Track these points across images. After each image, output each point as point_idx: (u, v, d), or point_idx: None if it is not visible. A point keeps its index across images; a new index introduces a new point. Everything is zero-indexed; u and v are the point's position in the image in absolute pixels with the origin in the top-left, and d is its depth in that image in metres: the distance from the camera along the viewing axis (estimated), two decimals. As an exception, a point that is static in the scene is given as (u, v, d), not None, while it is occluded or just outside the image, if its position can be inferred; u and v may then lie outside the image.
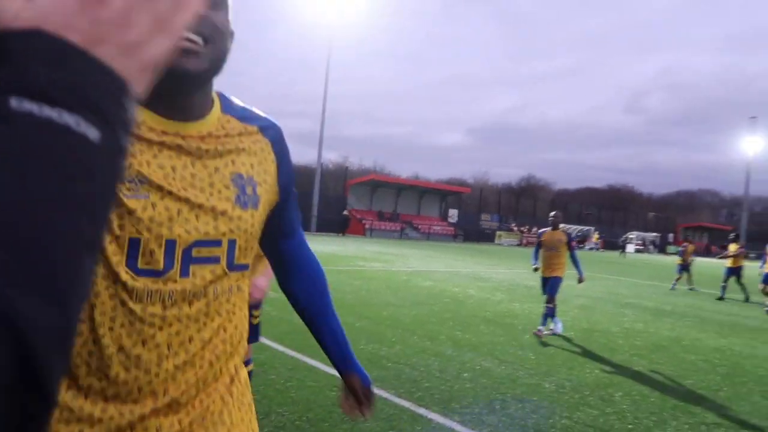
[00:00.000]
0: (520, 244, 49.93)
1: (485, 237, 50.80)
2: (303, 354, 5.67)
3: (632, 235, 57.83)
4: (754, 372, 6.70)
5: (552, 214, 8.50)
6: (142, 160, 1.00)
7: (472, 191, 59.54)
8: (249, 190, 1.12)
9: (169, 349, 1.03)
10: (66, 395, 0.98)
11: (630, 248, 49.35)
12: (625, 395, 5.25)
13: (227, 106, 1.15)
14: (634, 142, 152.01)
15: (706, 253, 59.15)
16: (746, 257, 15.74)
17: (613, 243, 53.82)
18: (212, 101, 1.11)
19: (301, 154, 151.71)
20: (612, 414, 4.68)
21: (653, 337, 8.47)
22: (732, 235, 15.96)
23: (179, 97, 1.03)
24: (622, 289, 14.39)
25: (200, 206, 1.05)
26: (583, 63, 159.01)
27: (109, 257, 0.98)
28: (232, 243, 1.10)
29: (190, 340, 1.05)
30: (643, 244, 45.27)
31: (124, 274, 0.98)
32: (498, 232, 51.23)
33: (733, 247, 15.29)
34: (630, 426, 4.44)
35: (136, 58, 0.37)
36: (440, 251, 28.32)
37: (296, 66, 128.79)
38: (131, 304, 0.99)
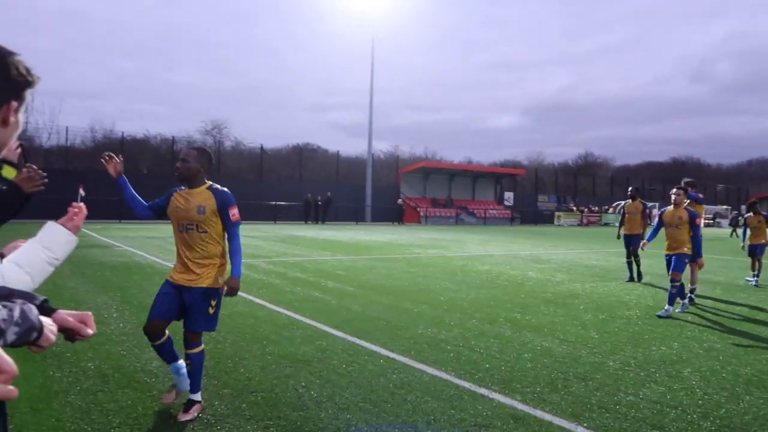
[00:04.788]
0: (580, 224, 48.66)
1: (543, 218, 49.76)
2: (362, 339, 5.78)
3: (700, 209, 55.16)
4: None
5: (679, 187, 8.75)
6: None
7: (527, 173, 58.39)
8: None
9: None
10: None
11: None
12: (695, 371, 5.08)
13: None
14: (698, 112, 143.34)
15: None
16: None
17: (679, 218, 51.54)
18: None
19: (351, 146, 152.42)
20: (680, 390, 4.55)
21: (726, 313, 8.13)
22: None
23: None
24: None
25: None
26: (642, 34, 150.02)
27: None
28: None
29: None
30: (713, 218, 42.95)
31: None
32: (557, 213, 50.10)
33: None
34: (700, 401, 4.30)
35: None
36: (497, 235, 27.98)
37: (340, 59, 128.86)
38: None
